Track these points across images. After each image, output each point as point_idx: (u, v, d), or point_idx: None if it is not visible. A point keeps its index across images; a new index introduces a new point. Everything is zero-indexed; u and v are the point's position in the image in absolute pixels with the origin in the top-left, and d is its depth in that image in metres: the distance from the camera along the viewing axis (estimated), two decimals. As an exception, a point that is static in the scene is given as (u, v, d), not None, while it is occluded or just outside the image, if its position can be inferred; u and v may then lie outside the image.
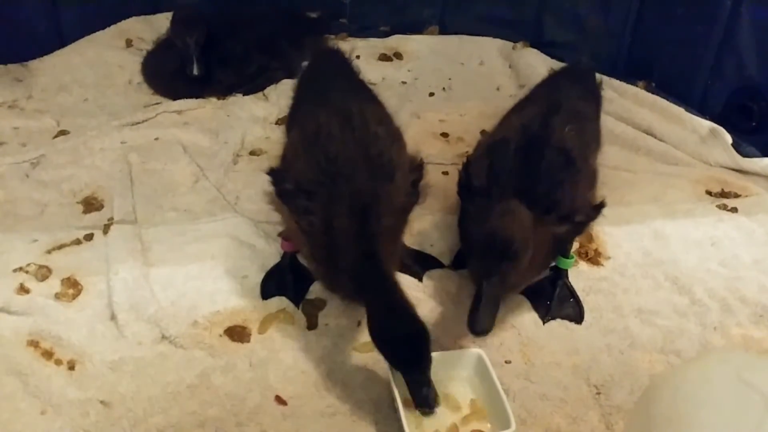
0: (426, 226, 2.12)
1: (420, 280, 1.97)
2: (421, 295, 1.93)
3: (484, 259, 1.61)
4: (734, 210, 2.28)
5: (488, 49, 3.23)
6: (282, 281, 1.92)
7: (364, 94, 2.03)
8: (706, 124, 2.66)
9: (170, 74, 2.81)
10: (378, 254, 1.59)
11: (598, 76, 2.29)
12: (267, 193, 1.82)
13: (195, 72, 2.66)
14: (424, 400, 1.51)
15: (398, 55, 3.18)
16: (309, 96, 2.02)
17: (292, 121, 2.04)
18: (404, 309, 1.54)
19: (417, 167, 1.82)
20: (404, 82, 3.02)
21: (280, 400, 1.65)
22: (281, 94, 2.81)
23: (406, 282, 1.93)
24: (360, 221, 1.60)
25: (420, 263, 2.01)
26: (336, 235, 1.61)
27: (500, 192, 1.74)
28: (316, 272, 1.82)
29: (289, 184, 1.71)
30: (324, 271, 1.73)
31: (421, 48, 3.22)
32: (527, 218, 1.65)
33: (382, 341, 1.55)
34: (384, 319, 1.55)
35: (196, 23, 2.68)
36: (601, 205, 1.82)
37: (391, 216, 1.67)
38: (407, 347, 1.51)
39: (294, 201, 1.69)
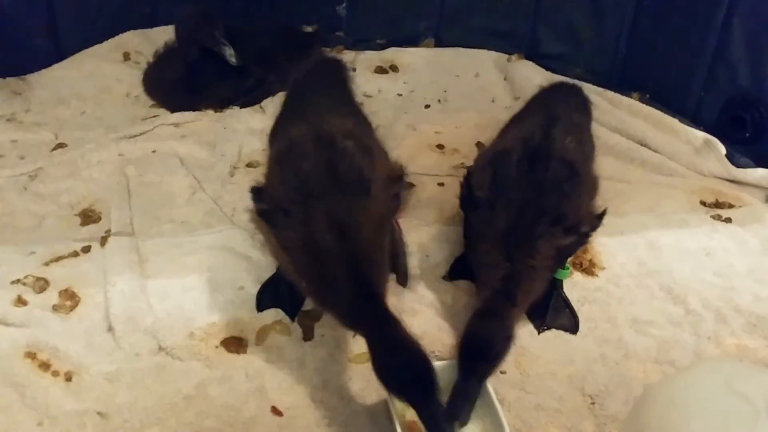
0: (422, 238, 2.13)
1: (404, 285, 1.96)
2: (417, 305, 1.94)
3: (464, 362, 1.58)
4: (728, 220, 2.29)
5: (483, 61, 3.25)
6: (278, 293, 1.92)
7: (342, 107, 2.03)
8: (700, 135, 2.68)
9: (171, 86, 2.82)
10: (365, 276, 1.57)
11: (585, 89, 2.30)
12: (250, 211, 1.81)
13: (235, 60, 2.68)
14: None
15: (394, 68, 3.20)
16: (289, 109, 2.04)
17: (272, 135, 2.04)
18: (405, 343, 1.51)
19: (397, 178, 1.81)
20: (400, 95, 3.04)
21: (276, 411, 1.66)
22: (278, 107, 2.82)
23: (402, 293, 1.94)
24: (339, 238, 1.59)
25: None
26: (317, 253, 1.60)
27: (505, 204, 1.76)
28: (303, 289, 1.79)
29: (266, 203, 1.72)
30: (311, 288, 1.71)
31: (417, 60, 3.24)
32: (509, 314, 1.65)
33: (388, 380, 1.51)
34: (387, 357, 1.51)
35: (211, 18, 2.71)
36: (603, 214, 1.84)
37: (371, 229, 1.66)
38: (414, 384, 1.48)
39: (272, 220, 1.70)
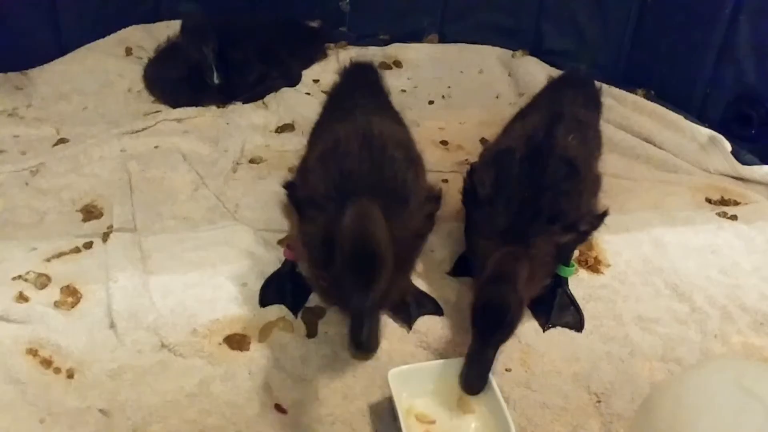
0: (426, 234, 2.12)
1: (408, 327, 1.85)
2: (421, 302, 1.92)
3: (479, 329, 1.58)
4: (734, 218, 2.28)
5: (487, 57, 3.24)
6: (281, 289, 1.91)
7: (389, 115, 2.02)
8: (705, 132, 2.66)
9: (172, 82, 2.81)
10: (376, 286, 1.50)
11: (597, 83, 2.29)
12: (282, 204, 1.81)
13: (216, 81, 2.65)
14: (356, 337, 1.44)
15: (398, 64, 3.19)
16: (334, 113, 2.02)
17: (314, 136, 2.03)
18: (368, 231, 1.48)
19: (434, 198, 1.80)
20: (404, 90, 3.03)
21: (279, 409, 1.65)
22: (281, 103, 2.82)
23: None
24: None
25: (418, 304, 1.90)
26: (334, 248, 1.55)
27: (505, 201, 1.75)
28: (313, 284, 1.80)
29: (302, 193, 1.71)
30: (321, 282, 1.70)
31: (421, 56, 3.23)
32: (520, 277, 1.63)
33: (341, 255, 1.49)
34: (348, 236, 1.49)
35: (208, 31, 2.68)
36: (605, 214, 1.83)
37: (402, 240, 1.63)
38: (355, 264, 1.45)
39: (306, 211, 1.69)
